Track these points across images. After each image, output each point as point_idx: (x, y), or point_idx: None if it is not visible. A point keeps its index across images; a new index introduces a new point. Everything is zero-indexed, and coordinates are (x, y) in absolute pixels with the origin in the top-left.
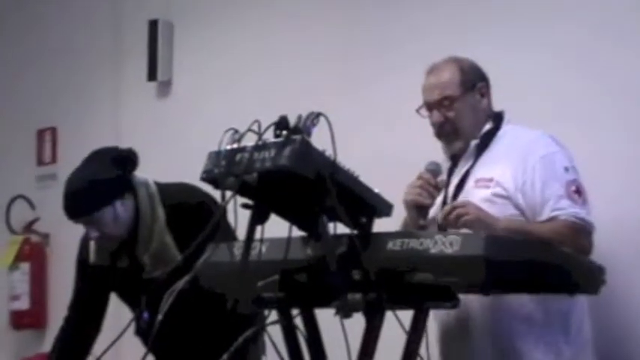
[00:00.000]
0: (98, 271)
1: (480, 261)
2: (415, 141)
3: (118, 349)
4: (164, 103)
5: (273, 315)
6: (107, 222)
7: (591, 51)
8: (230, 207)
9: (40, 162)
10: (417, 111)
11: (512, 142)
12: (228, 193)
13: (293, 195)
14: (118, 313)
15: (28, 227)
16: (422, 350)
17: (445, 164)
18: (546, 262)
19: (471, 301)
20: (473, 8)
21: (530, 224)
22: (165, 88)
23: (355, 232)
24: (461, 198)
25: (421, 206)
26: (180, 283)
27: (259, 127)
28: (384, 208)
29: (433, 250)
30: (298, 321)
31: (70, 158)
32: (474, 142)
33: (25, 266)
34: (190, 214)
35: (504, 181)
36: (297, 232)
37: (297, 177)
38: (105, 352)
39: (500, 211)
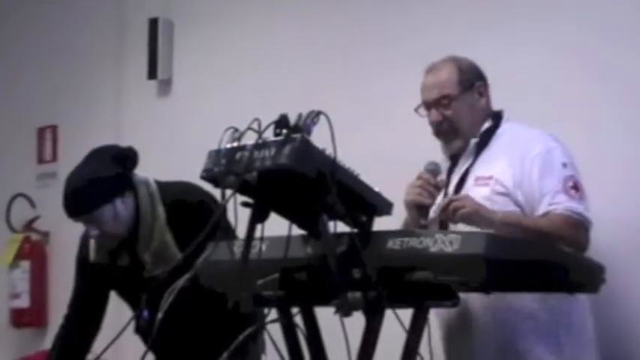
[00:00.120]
0: (98, 269)
1: (480, 260)
2: (415, 140)
3: (118, 347)
4: (164, 102)
5: (273, 313)
6: (107, 220)
7: (592, 50)
8: (230, 205)
9: (41, 160)
10: (416, 110)
11: (511, 140)
12: (228, 192)
13: (293, 193)
14: (118, 312)
15: (29, 225)
16: (425, 349)
17: (444, 164)
18: (546, 260)
19: (473, 299)
20: (473, 8)
21: (527, 217)
22: (165, 86)
23: (355, 230)
24: None
25: (422, 206)
26: (181, 282)
27: (259, 125)
28: (384, 207)
29: (433, 249)
30: (298, 319)
31: (71, 156)
32: (473, 141)
33: (26, 264)
34: (190, 212)
35: (504, 178)
36: (297, 231)
37: (297, 175)
38: (105, 350)
39: (501, 209)
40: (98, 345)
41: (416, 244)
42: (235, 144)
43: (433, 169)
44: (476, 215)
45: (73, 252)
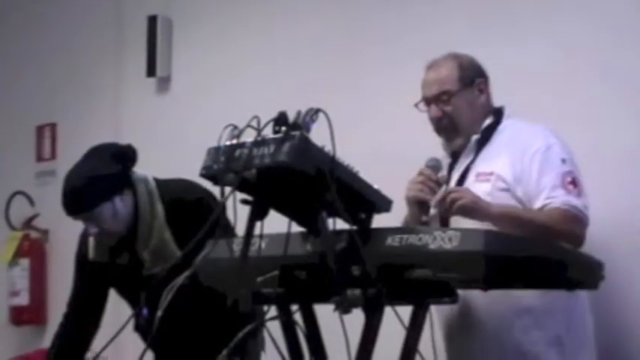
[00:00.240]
0: (97, 267)
1: (479, 256)
2: (414, 138)
3: (118, 345)
4: (163, 99)
5: (272, 311)
6: (106, 218)
7: (592, 48)
8: (229, 203)
9: (40, 158)
10: (416, 105)
11: (512, 136)
12: (228, 189)
13: (292, 191)
14: (117, 310)
15: (28, 223)
16: (428, 346)
17: (445, 160)
18: (546, 257)
19: (473, 296)
20: (473, 5)
21: (525, 210)
22: (164, 84)
23: (354, 228)
24: None
25: (423, 202)
26: (180, 280)
27: (258, 123)
28: (383, 204)
29: (432, 246)
30: (297, 317)
31: (70, 154)
32: (474, 137)
33: (25, 262)
34: (189, 210)
35: (504, 173)
36: (296, 228)
37: (296, 173)
38: (104, 348)
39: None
40: (97, 343)
41: (415, 241)
42: (234, 141)
43: (434, 165)
44: (473, 207)
45: (72, 250)
